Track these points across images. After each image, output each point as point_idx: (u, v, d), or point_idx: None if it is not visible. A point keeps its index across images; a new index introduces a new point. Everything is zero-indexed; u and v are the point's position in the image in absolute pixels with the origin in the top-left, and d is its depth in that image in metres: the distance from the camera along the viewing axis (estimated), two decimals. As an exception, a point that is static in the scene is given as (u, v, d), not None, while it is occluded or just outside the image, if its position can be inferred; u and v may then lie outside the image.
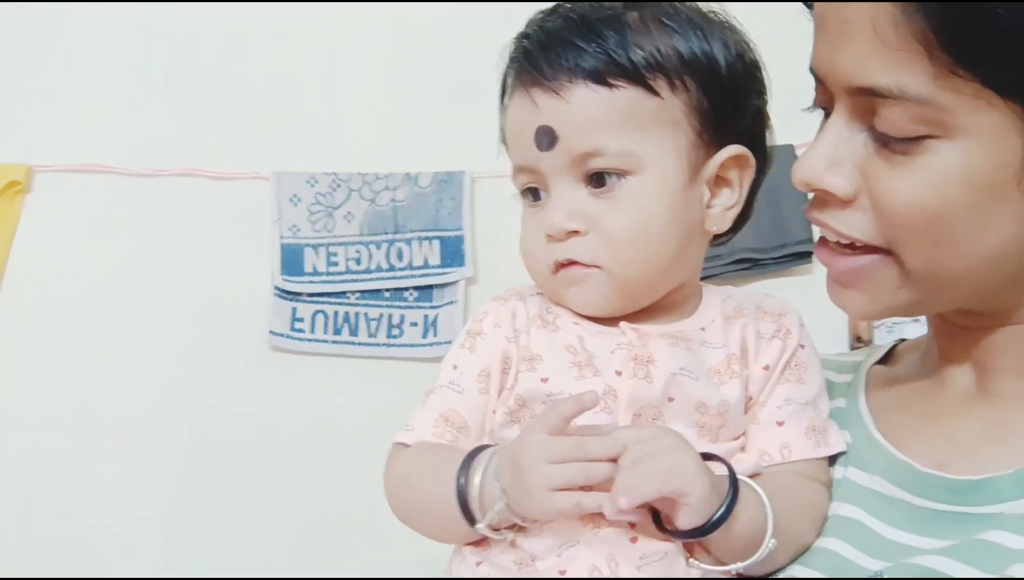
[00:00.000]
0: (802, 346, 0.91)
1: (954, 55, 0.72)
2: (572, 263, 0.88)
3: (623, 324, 0.90)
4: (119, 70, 2.32)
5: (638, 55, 0.86)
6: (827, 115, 0.83)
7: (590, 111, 0.86)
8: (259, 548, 2.29)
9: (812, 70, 0.82)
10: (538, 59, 0.88)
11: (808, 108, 0.85)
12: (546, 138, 0.87)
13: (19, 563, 2.24)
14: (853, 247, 0.82)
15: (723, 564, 0.81)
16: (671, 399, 0.85)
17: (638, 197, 0.87)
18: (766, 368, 0.89)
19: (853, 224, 0.81)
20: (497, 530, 0.82)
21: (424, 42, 2.36)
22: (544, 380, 0.87)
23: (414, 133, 2.35)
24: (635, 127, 0.86)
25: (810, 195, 0.84)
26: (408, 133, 2.35)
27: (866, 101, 0.77)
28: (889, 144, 0.77)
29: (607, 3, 0.90)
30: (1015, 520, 0.76)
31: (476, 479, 0.82)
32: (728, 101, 0.89)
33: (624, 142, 0.86)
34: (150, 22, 2.32)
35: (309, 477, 2.31)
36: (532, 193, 0.91)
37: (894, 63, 0.74)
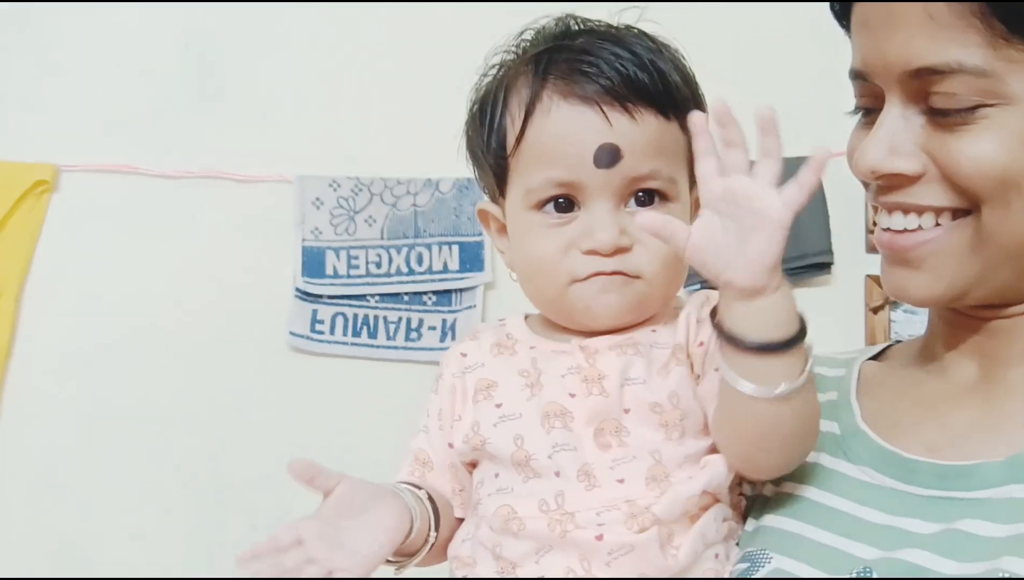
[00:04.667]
0: None
1: (1008, 24, 0.75)
2: (617, 273, 0.90)
3: (574, 341, 0.92)
4: (146, 71, 2.34)
5: (683, 94, 0.92)
6: (866, 113, 0.87)
7: (654, 136, 0.90)
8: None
9: (855, 72, 0.86)
10: (604, 76, 0.88)
11: (851, 112, 0.89)
12: (609, 156, 0.88)
13: (27, 562, 2.25)
14: (919, 229, 0.85)
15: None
16: (627, 411, 0.88)
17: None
18: (701, 345, 0.91)
19: (928, 194, 0.84)
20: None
21: (449, 49, 2.37)
22: (498, 405, 0.91)
23: (436, 139, 2.34)
24: (676, 159, 0.92)
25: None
26: (430, 139, 2.34)
27: (920, 83, 0.80)
28: (948, 116, 0.80)
29: (611, 26, 0.94)
30: (998, 506, 0.78)
31: None
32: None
33: (672, 170, 0.91)
34: (177, 24, 2.34)
35: (326, 478, 2.32)
36: (559, 205, 0.92)
37: (948, 40, 0.78)
